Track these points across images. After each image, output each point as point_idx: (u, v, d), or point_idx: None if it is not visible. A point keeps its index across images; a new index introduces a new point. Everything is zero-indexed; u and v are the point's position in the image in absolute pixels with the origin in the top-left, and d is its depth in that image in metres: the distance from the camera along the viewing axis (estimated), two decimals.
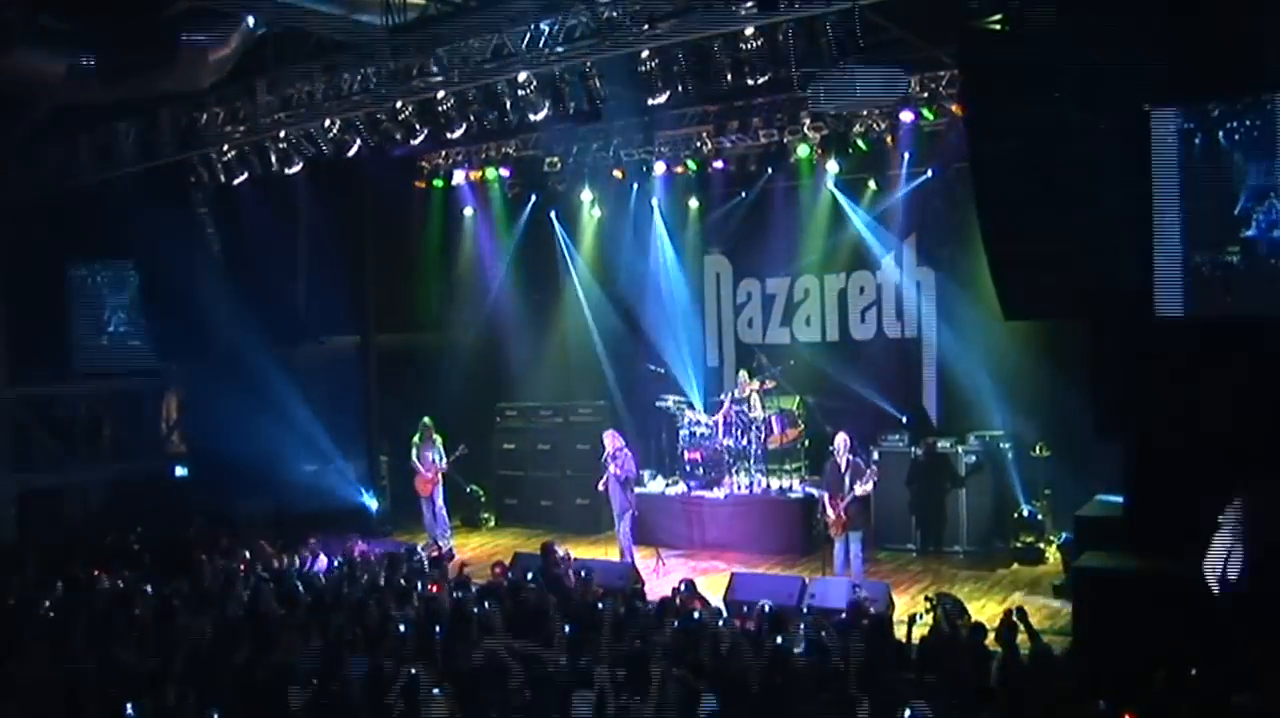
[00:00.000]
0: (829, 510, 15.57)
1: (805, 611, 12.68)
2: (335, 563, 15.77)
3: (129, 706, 8.87)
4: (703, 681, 9.04)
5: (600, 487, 17.68)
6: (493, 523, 21.42)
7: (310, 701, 9.26)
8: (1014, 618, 10.78)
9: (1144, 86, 11.76)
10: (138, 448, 22.52)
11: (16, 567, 15.71)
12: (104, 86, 15.46)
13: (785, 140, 18.20)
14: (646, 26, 12.96)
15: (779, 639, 10.50)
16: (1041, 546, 16.77)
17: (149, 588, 13.81)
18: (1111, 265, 12.19)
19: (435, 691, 9.09)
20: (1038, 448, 17.43)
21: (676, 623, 11.47)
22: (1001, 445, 17.57)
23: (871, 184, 19.25)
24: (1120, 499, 13.28)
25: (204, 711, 9.12)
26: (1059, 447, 17.01)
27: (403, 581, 13.99)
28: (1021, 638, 10.59)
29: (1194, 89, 11.65)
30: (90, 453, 21.91)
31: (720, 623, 11.61)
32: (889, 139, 17.58)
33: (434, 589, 13.88)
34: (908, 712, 8.36)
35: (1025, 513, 17.06)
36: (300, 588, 13.63)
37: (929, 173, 18.38)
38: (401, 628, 11.42)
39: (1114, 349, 12.79)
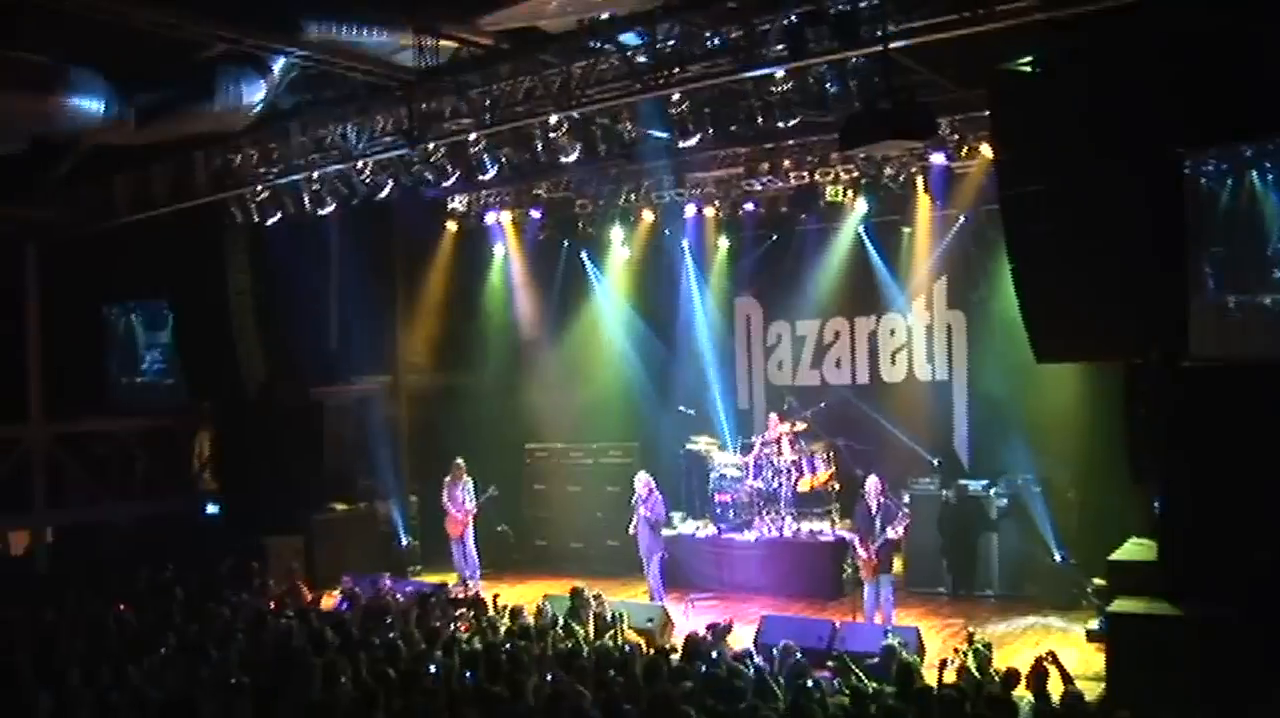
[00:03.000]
0: (860, 554, 15.47)
1: (835, 654, 12.55)
2: (364, 603, 15.72)
3: None
4: None
5: (632, 530, 17.65)
6: (522, 565, 21.29)
7: None
8: (1046, 663, 10.64)
9: (1176, 128, 11.73)
10: (170, 485, 22.62)
11: (51, 601, 15.77)
12: (140, 129, 15.62)
13: (815, 182, 18.17)
14: (677, 70, 13.00)
15: (808, 683, 10.43)
16: (1074, 590, 16.56)
17: (179, 625, 13.87)
18: (1144, 307, 12.15)
19: None
20: (1070, 491, 17.28)
21: (705, 668, 11.39)
22: (1034, 489, 17.35)
23: (902, 226, 19.22)
24: (1154, 543, 13.13)
25: None
26: (1092, 489, 16.83)
27: (435, 623, 13.94)
28: (1054, 685, 10.46)
29: (1226, 130, 11.62)
30: (123, 490, 22.00)
31: (750, 667, 11.50)
32: (919, 181, 17.58)
33: (464, 630, 13.86)
34: None
35: (1058, 557, 16.88)
36: (329, 628, 13.59)
37: (960, 216, 18.33)
38: (433, 669, 11.38)
39: (1147, 391, 12.69)
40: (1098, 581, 14.82)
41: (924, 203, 18.31)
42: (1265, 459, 11.49)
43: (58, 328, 20.74)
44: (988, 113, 14.50)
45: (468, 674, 11.07)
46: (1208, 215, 11.79)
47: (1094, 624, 14.35)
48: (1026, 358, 13.81)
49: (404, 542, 21.38)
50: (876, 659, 11.96)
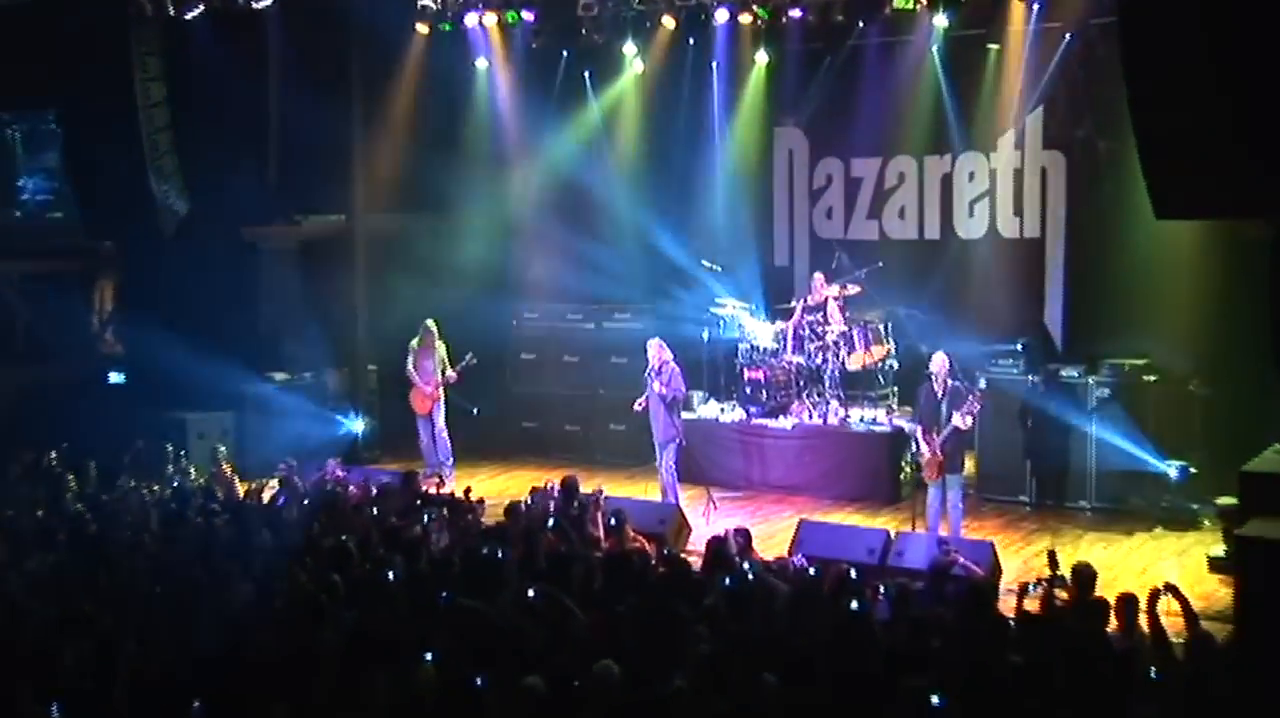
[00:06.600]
0: (923, 448, 15.47)
1: (890, 572, 12.60)
2: (308, 494, 15.78)
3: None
4: (757, 654, 8.96)
5: (639, 407, 17.69)
6: (505, 451, 21.27)
7: (275, 664, 9.24)
8: (1164, 597, 10.56)
9: None
10: (61, 347, 22.58)
11: None
12: None
13: None
14: None
15: (854, 606, 10.42)
16: (1194, 506, 16.56)
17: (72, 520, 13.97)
18: None
19: (427, 655, 9.06)
20: (1193, 383, 17.21)
21: (728, 581, 11.42)
22: (1145, 377, 17.33)
23: (988, 43, 18.93)
24: None
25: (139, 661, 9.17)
26: (1222, 382, 16.79)
27: (393, 518, 13.97)
28: (1174, 624, 10.40)
29: None
30: (2, 352, 21.97)
31: (782, 583, 11.53)
32: None
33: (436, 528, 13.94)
34: None
35: (1173, 465, 16.85)
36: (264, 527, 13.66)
37: (1063, 30, 18.03)
38: (391, 576, 11.40)
39: None
40: (1225, 499, 14.78)
41: (1018, 13, 18.12)
42: None
43: None
44: None
45: (440, 590, 11.08)
46: None
47: (1218, 550, 14.37)
48: (1143, 214, 13.63)
49: (358, 422, 21.43)
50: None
